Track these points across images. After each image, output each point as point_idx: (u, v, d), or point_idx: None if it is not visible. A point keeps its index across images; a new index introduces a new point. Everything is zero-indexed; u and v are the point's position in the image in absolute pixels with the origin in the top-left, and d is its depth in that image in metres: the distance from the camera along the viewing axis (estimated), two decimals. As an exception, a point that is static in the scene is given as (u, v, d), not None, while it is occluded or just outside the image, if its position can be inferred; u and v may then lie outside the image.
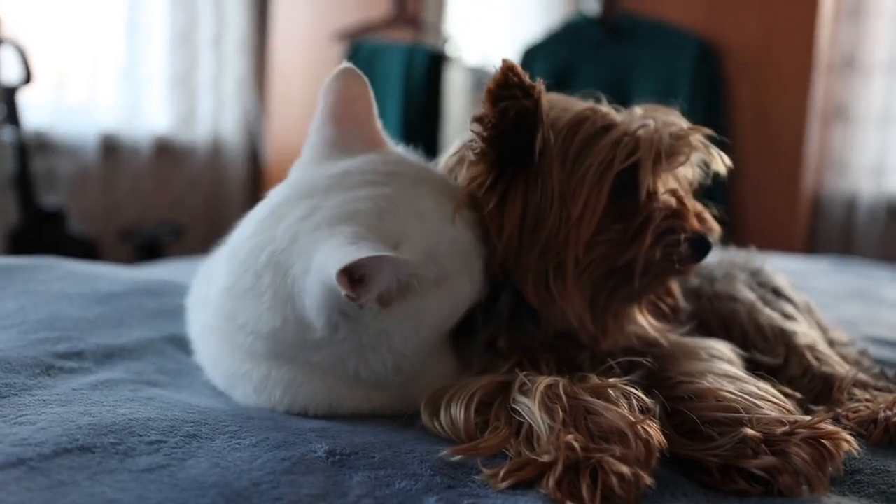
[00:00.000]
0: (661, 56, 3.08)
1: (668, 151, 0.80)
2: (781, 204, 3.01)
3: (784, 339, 0.90)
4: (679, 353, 0.80)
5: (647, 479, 0.59)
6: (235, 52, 3.61)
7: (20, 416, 0.65)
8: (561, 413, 0.64)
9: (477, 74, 3.40)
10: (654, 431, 0.62)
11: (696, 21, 3.08)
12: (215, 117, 3.55)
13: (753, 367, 0.82)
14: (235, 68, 3.61)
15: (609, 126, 0.79)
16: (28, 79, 2.60)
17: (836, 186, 3.26)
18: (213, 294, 0.79)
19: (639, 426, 0.62)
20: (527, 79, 0.76)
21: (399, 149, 0.84)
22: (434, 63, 3.18)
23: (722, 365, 0.77)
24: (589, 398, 0.66)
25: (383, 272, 0.67)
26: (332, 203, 0.72)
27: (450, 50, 3.31)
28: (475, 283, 0.78)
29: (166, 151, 3.40)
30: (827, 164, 3.27)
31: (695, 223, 0.82)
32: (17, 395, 0.71)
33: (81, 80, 3.09)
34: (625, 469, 0.58)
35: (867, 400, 0.81)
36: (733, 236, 2.79)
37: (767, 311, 0.94)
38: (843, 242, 3.23)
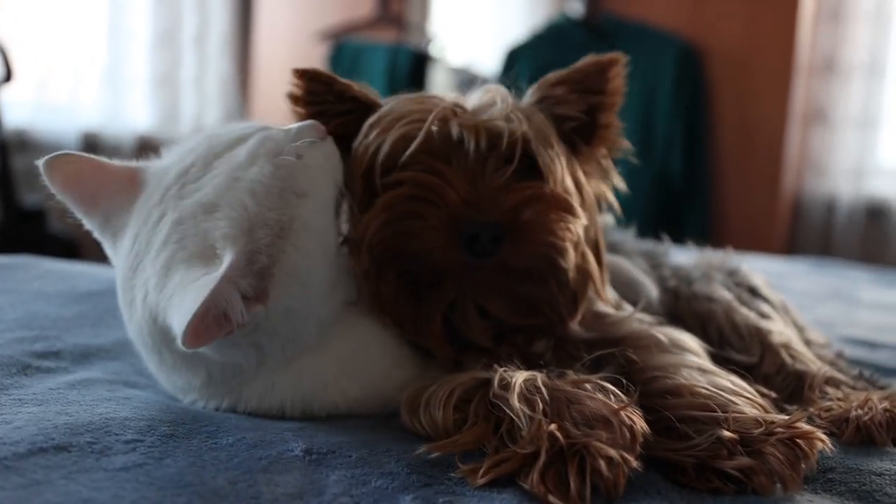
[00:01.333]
0: (644, 58, 3.10)
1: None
2: (761, 205, 3.03)
3: (759, 338, 0.91)
4: (651, 343, 0.79)
5: (634, 463, 0.59)
6: (218, 51, 3.59)
7: (-4, 416, 0.65)
8: (541, 404, 0.64)
9: (461, 75, 3.40)
10: (636, 418, 0.63)
11: (679, 23, 3.10)
12: (198, 116, 3.53)
13: (729, 367, 0.82)
14: (218, 67, 3.59)
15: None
16: (9, 77, 2.57)
17: (815, 188, 3.29)
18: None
19: (622, 413, 0.62)
20: (336, 84, 0.83)
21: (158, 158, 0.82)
22: (418, 63, 3.18)
23: (692, 357, 0.77)
24: (570, 388, 0.66)
25: (228, 293, 0.63)
26: (150, 260, 0.69)
27: (434, 50, 3.32)
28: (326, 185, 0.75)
29: (149, 150, 3.37)
30: (806, 166, 3.30)
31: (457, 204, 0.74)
32: (-7, 394, 0.71)
33: (63, 78, 3.06)
34: (612, 452, 0.58)
35: (839, 399, 0.82)
36: (713, 237, 2.81)
37: (744, 310, 0.95)
38: (823, 244, 3.25)
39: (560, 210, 0.76)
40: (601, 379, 0.69)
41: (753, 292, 1.01)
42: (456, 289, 0.76)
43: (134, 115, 3.31)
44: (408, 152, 0.76)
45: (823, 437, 0.66)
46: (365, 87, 0.85)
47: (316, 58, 3.38)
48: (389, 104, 0.83)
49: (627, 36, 3.12)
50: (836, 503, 0.65)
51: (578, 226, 0.78)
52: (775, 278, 1.72)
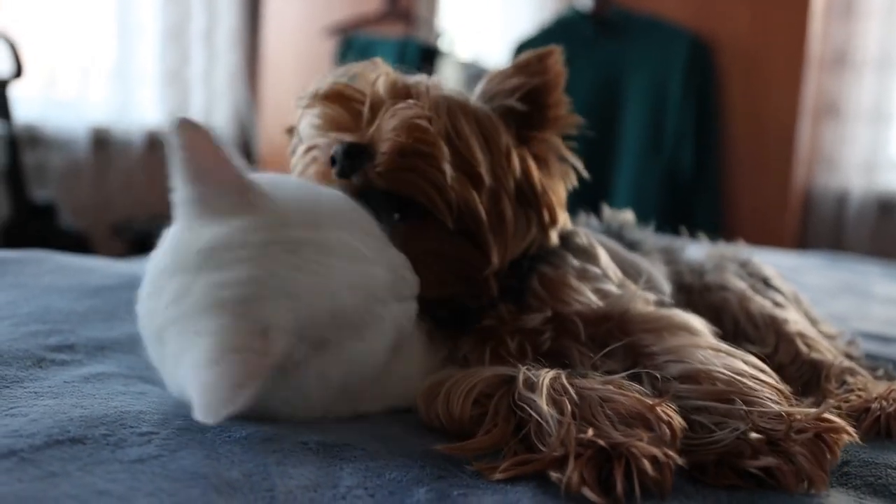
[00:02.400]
0: (654, 51, 3.09)
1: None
2: (772, 199, 3.02)
3: (775, 327, 0.90)
4: (660, 324, 0.77)
5: (679, 460, 0.57)
6: (227, 47, 3.60)
7: (12, 408, 0.65)
8: (570, 406, 0.62)
9: (469, 69, 3.40)
10: (673, 413, 0.61)
11: (689, 16, 3.09)
12: (207, 111, 3.55)
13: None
14: (227, 62, 3.60)
15: None
16: (19, 72, 2.58)
17: (826, 182, 3.27)
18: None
19: (658, 409, 0.60)
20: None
21: (284, 197, 0.72)
22: (426, 58, 3.18)
23: (704, 338, 0.75)
24: (599, 387, 0.64)
25: (259, 373, 0.61)
26: (199, 286, 0.66)
27: (442, 44, 3.31)
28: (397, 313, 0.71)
29: (158, 146, 3.40)
30: (818, 160, 3.28)
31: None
32: (8, 387, 0.71)
33: (73, 73, 3.08)
34: (657, 451, 0.56)
35: (859, 389, 0.80)
36: (724, 231, 2.80)
37: (758, 298, 0.94)
38: (834, 238, 3.24)
39: (419, 119, 0.76)
40: (610, 371, 0.67)
41: (766, 282, 1.00)
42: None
43: (143, 111, 3.32)
44: (318, 97, 0.81)
45: (851, 430, 0.64)
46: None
47: (324, 53, 3.38)
48: None
49: (637, 29, 3.11)
50: (851, 497, 0.64)
51: (447, 159, 0.75)
52: (787, 273, 1.71)
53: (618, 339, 0.75)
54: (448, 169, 0.74)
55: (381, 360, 0.71)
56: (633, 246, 1.00)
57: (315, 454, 0.62)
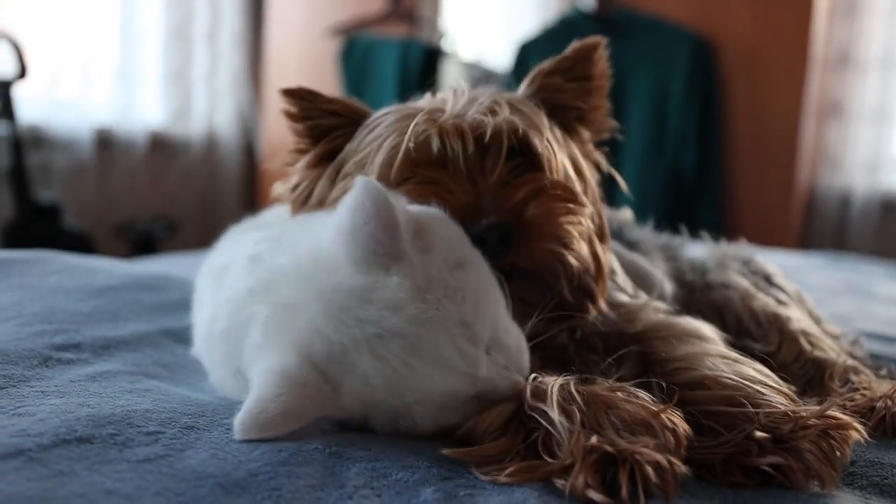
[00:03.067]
0: (657, 52, 3.09)
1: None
2: (775, 199, 3.02)
3: (778, 325, 0.90)
4: (670, 333, 0.78)
5: (683, 468, 0.57)
6: (230, 47, 3.60)
7: (19, 407, 0.66)
8: (578, 413, 0.62)
9: (473, 69, 3.40)
10: (678, 420, 0.61)
11: (692, 16, 3.09)
12: (210, 112, 3.55)
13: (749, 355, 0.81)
14: (230, 63, 3.60)
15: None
16: (23, 73, 2.59)
17: (830, 182, 3.27)
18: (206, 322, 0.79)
19: (663, 416, 0.61)
20: (320, 99, 0.84)
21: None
22: (429, 58, 3.17)
23: (713, 346, 0.76)
24: (606, 394, 0.64)
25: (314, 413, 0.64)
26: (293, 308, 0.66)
27: (445, 45, 3.31)
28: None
29: (161, 146, 3.40)
30: (821, 160, 3.28)
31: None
32: (15, 386, 0.71)
33: (76, 74, 3.08)
34: (660, 457, 0.56)
35: (864, 388, 0.80)
36: (726, 231, 2.80)
37: (761, 296, 0.94)
38: (837, 238, 3.24)
39: (564, 201, 0.75)
40: (621, 378, 0.67)
41: (769, 280, 1.00)
42: None
43: (146, 112, 3.32)
44: (394, 169, 0.76)
45: (859, 426, 0.64)
46: (352, 101, 0.86)
47: (327, 53, 3.38)
48: (376, 118, 0.83)
49: (640, 29, 3.11)
50: (857, 497, 0.64)
51: (584, 215, 0.76)
52: (790, 273, 1.70)
53: (629, 346, 0.75)
54: (581, 251, 0.75)
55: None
56: (632, 245, 1.00)
57: (321, 454, 0.62)
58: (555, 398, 0.64)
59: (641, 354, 0.75)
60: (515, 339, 0.69)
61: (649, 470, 0.55)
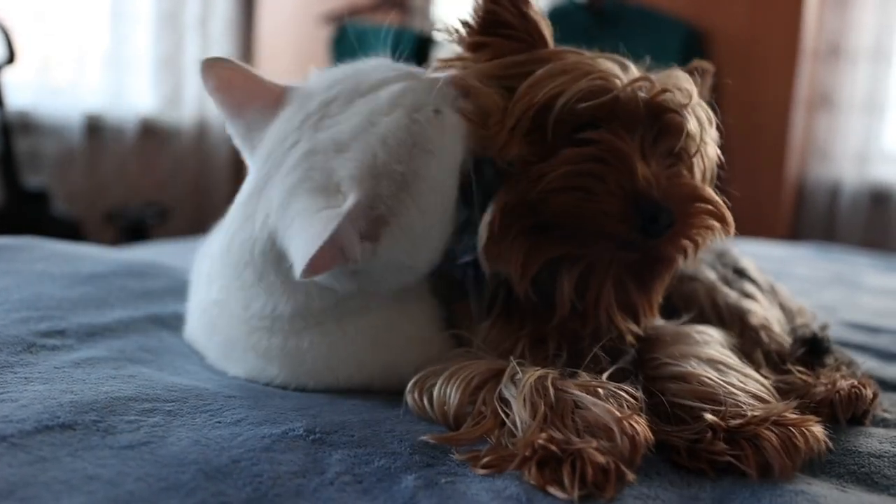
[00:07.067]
0: (648, 42, 3.06)
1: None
2: (765, 190, 3.03)
3: (739, 317, 0.91)
4: (668, 336, 0.80)
5: (630, 476, 0.59)
6: (222, 34, 3.59)
7: (2, 394, 0.66)
8: (543, 408, 0.63)
9: (464, 58, 3.38)
10: (640, 427, 0.62)
11: (683, 7, 3.09)
12: (201, 99, 3.53)
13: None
14: (222, 50, 3.59)
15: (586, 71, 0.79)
16: (12, 58, 2.57)
17: (819, 173, 3.28)
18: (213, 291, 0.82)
19: (625, 422, 0.62)
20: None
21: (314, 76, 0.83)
22: (421, 46, 3.17)
23: (709, 350, 0.78)
24: (577, 392, 0.65)
25: (349, 231, 0.67)
26: (278, 181, 0.73)
27: (437, 33, 3.31)
28: (454, 155, 0.76)
29: (152, 133, 3.39)
30: (811, 151, 3.29)
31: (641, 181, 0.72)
32: (-2, 372, 0.72)
33: (66, 60, 3.06)
34: (602, 459, 0.58)
35: (802, 374, 0.83)
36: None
37: (726, 289, 0.95)
38: (827, 229, 3.25)
39: (716, 219, 0.79)
40: (616, 387, 0.68)
41: (741, 273, 1.01)
42: (593, 260, 0.75)
43: (137, 98, 3.31)
44: (588, 104, 0.75)
45: (818, 426, 0.67)
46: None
47: (319, 41, 3.37)
48: (571, 54, 0.83)
49: (631, 20, 3.11)
50: (834, 485, 0.65)
51: (716, 234, 0.79)
52: (778, 263, 1.72)
53: (628, 351, 0.78)
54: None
55: (433, 238, 0.75)
56: None
57: (304, 441, 0.63)
58: (525, 389, 0.65)
59: (640, 352, 0.78)
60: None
61: (589, 470, 0.57)
